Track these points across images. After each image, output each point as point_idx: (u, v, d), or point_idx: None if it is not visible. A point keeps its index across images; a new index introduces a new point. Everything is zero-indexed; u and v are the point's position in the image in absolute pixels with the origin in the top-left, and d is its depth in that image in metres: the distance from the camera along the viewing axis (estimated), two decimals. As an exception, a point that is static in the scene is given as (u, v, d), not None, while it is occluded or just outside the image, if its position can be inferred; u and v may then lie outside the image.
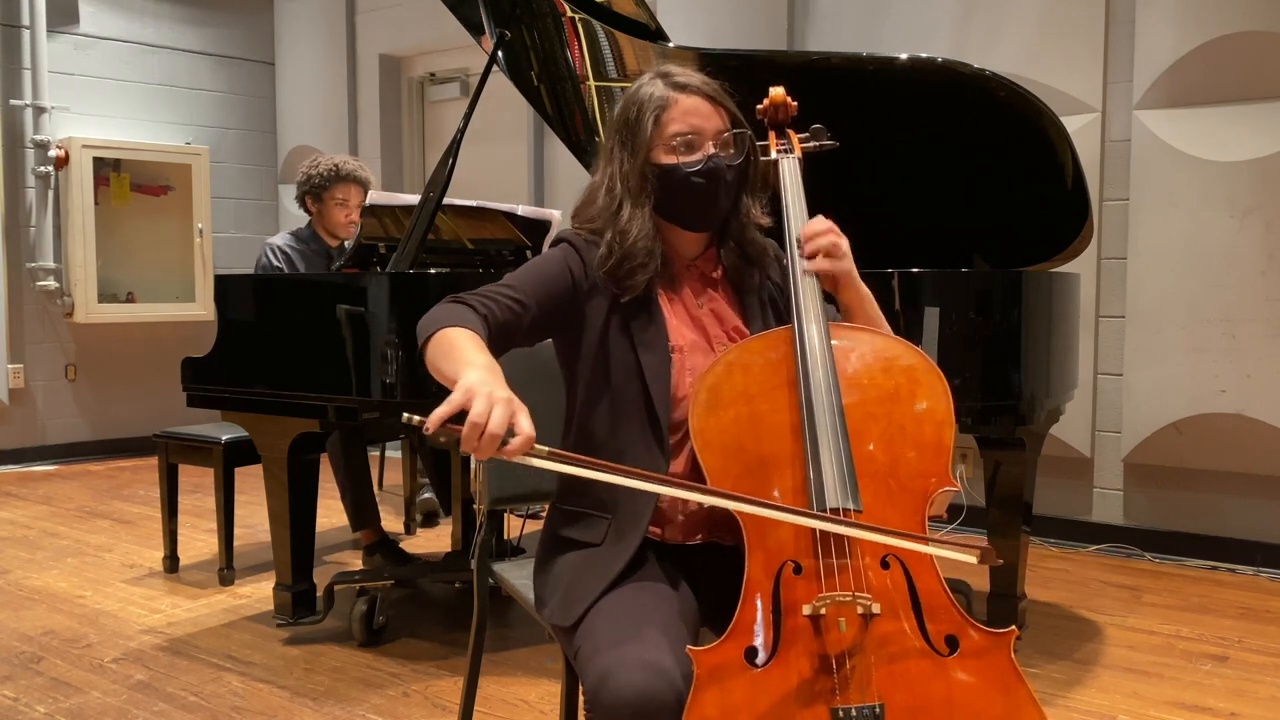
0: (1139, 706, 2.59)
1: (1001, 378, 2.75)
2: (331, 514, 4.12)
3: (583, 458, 1.37)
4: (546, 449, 1.30)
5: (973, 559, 1.36)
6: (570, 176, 5.18)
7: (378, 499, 3.74)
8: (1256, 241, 3.64)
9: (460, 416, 1.26)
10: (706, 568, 1.60)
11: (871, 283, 1.67)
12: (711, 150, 1.62)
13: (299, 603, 3.15)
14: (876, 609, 1.35)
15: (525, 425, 1.28)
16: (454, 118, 5.16)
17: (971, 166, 2.91)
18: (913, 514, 1.47)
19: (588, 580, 1.53)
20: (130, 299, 6.22)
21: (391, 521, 4.14)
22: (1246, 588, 3.58)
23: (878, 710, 1.30)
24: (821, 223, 1.63)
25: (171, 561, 3.75)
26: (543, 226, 3.49)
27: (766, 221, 1.71)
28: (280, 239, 3.82)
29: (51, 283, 5.94)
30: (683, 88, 1.63)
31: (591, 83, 3.20)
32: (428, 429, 1.25)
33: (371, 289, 2.82)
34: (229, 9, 6.66)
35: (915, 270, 2.69)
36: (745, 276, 1.70)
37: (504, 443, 1.26)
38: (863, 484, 1.45)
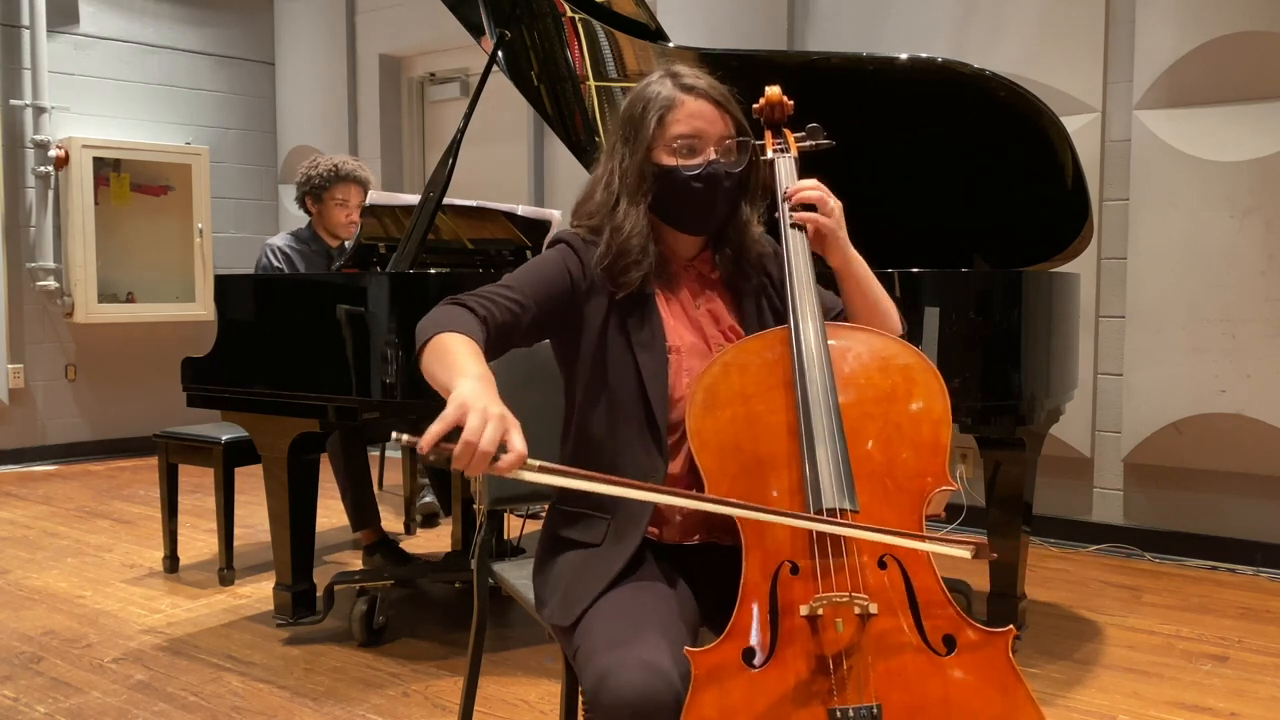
0: (1139, 706, 2.59)
1: (1001, 378, 2.75)
2: (331, 514, 4.12)
3: (573, 470, 1.35)
4: (538, 464, 1.28)
5: (967, 554, 1.36)
6: (570, 176, 5.18)
7: (378, 499, 3.74)
8: (1256, 241, 3.64)
9: (453, 434, 1.25)
10: (705, 568, 1.60)
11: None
12: (713, 155, 1.61)
13: (299, 603, 3.15)
14: (874, 609, 1.35)
15: (517, 442, 1.26)
16: (454, 118, 5.16)
17: (972, 166, 2.91)
18: (910, 513, 1.47)
19: (587, 580, 1.54)
20: (130, 299, 6.22)
21: (391, 521, 4.14)
22: (1246, 588, 3.58)
23: (875, 710, 1.30)
24: (811, 180, 1.63)
25: (171, 561, 3.75)
26: (543, 226, 3.49)
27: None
28: (280, 239, 3.82)
29: (51, 283, 5.94)
30: (690, 90, 1.62)
31: (591, 83, 3.20)
32: (421, 449, 1.23)
33: (371, 289, 2.82)
34: (229, 9, 6.66)
35: (915, 270, 2.69)
36: (742, 279, 1.70)
37: (495, 459, 1.25)
38: (860, 483, 1.45)
